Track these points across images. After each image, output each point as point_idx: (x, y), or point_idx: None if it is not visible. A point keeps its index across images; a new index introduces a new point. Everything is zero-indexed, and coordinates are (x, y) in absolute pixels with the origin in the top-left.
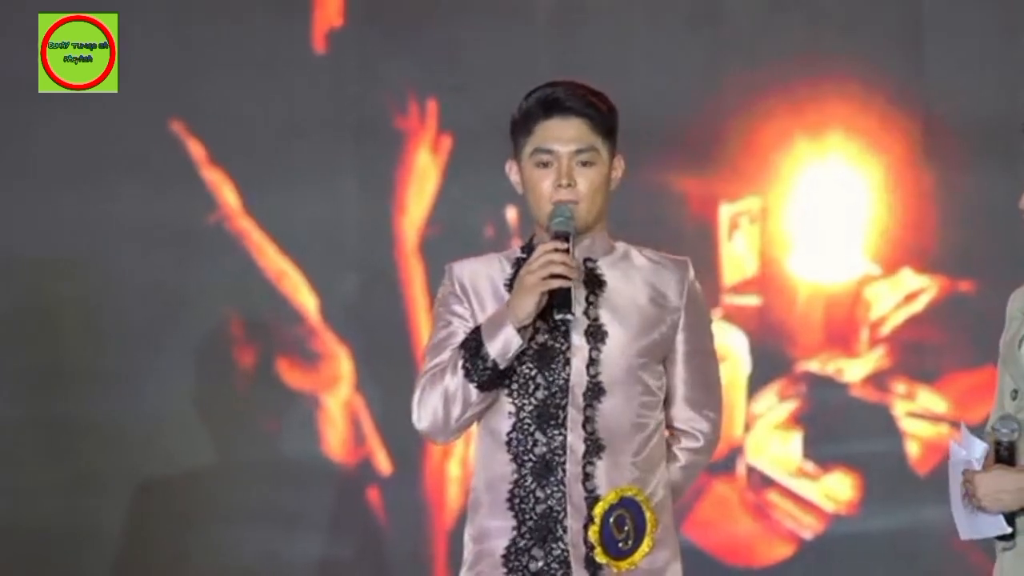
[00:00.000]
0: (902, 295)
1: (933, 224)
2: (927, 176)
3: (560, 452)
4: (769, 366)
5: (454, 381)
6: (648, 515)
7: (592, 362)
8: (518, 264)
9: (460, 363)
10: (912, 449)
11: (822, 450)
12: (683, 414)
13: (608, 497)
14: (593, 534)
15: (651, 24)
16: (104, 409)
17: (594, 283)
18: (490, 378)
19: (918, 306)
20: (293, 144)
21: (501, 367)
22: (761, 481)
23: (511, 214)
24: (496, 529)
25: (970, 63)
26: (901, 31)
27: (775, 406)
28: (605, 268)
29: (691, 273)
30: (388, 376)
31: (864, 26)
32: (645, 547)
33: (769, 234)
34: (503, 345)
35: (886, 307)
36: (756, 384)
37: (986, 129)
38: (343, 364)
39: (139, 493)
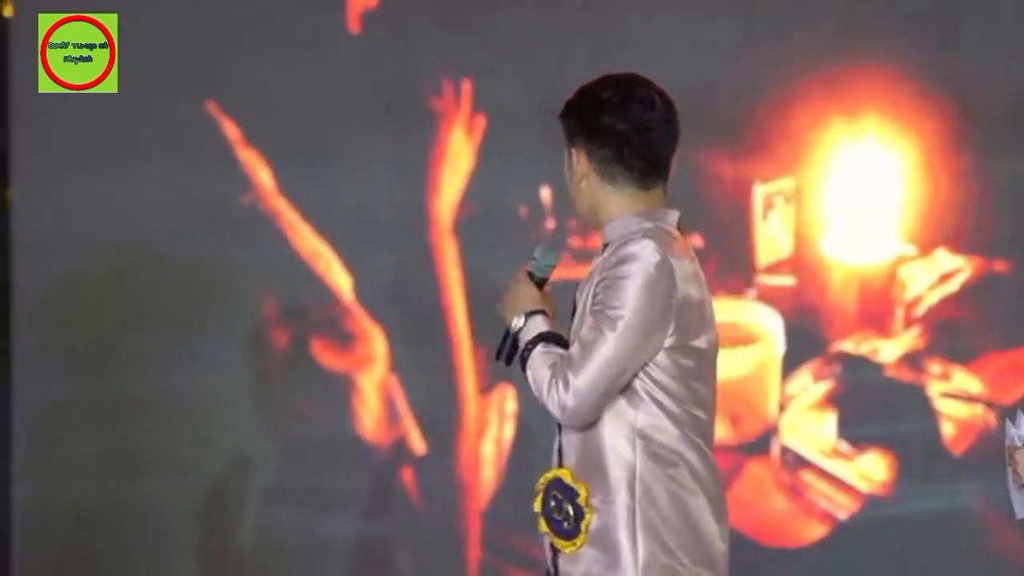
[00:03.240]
0: (937, 275)
1: (968, 205)
2: (962, 157)
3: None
4: (804, 346)
5: None
6: (582, 494)
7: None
8: None
9: None
10: (947, 429)
11: (857, 430)
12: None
13: (547, 474)
14: (536, 505)
15: (685, 6)
16: (140, 389)
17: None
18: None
19: (953, 286)
20: (327, 124)
21: None
22: (796, 461)
23: (545, 194)
24: None
25: (1005, 44)
26: (936, 12)
27: (810, 386)
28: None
29: (617, 249)
30: (423, 356)
31: (899, 7)
32: (584, 532)
33: (803, 215)
34: None
35: (921, 287)
36: (790, 365)
37: (1021, 110)
38: (377, 344)
39: (176, 473)
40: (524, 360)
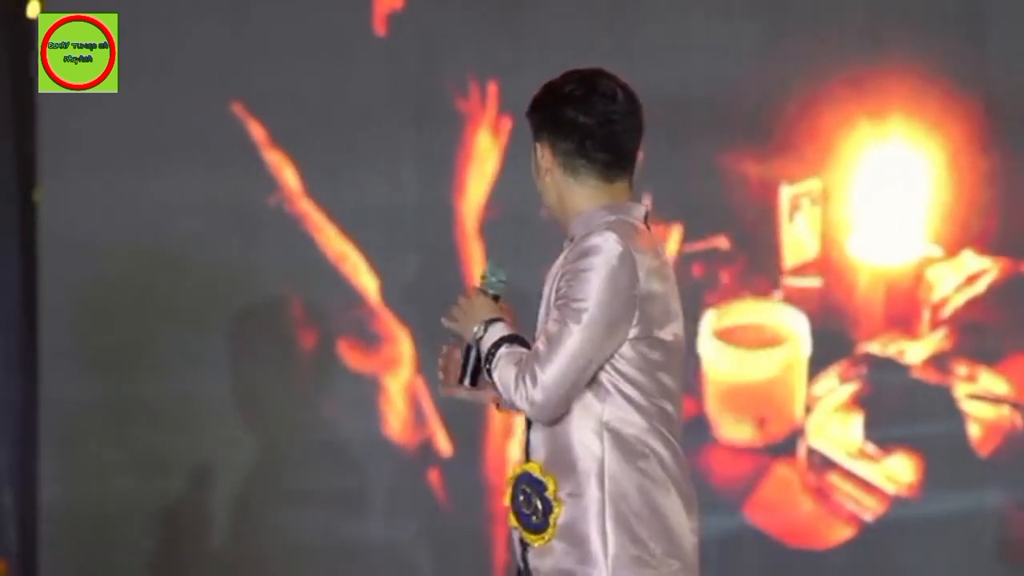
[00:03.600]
0: (963, 277)
1: (995, 206)
2: (988, 158)
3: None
4: (830, 348)
5: None
6: (550, 487)
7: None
8: None
9: None
10: (973, 431)
11: (883, 432)
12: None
13: (515, 469)
14: (505, 499)
15: (711, 7)
16: (166, 391)
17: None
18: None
19: (979, 288)
20: (353, 126)
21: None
22: (822, 463)
23: None
24: None
25: None
26: (962, 13)
27: (836, 388)
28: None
29: (579, 242)
30: None
31: (925, 8)
32: (552, 526)
33: (830, 216)
34: None
35: (947, 289)
36: (817, 366)
37: None
38: (403, 346)
39: (201, 474)
40: (489, 364)
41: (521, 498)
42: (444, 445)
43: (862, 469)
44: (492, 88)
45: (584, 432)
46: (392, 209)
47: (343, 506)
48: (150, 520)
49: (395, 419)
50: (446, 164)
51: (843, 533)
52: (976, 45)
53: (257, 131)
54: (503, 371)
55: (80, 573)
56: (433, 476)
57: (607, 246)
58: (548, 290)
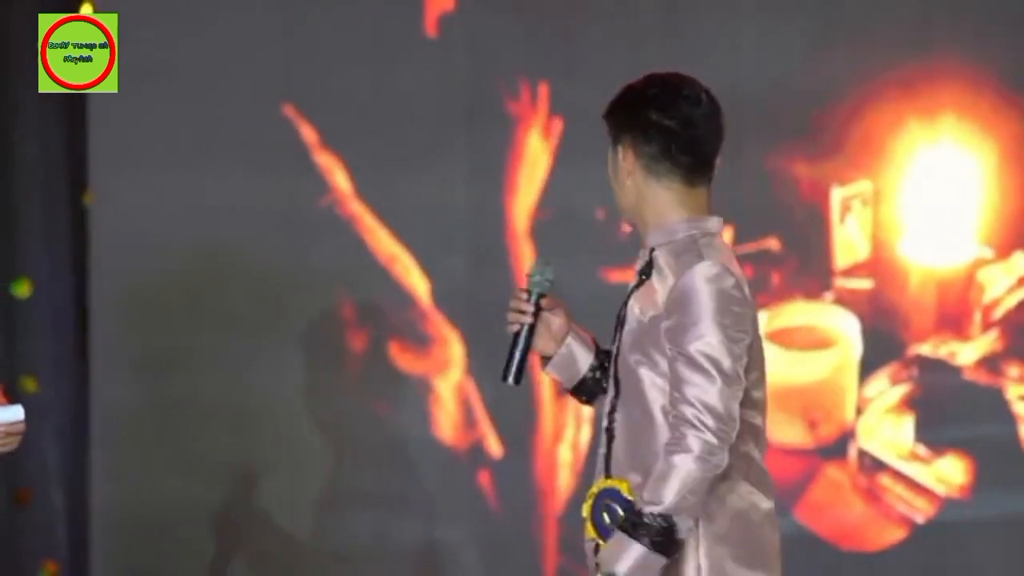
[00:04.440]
0: (1015, 278)
1: None
2: None
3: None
4: (881, 350)
5: None
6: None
7: (618, 352)
8: None
9: None
10: None
11: (934, 434)
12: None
13: (601, 483)
14: (584, 510)
15: (762, 8)
16: (217, 392)
17: (646, 270)
18: None
19: None
20: (404, 128)
21: None
22: (873, 465)
23: None
24: None
25: None
26: (1013, 13)
27: (887, 390)
28: (662, 257)
29: (685, 277)
30: (499, 360)
31: (976, 8)
32: None
33: (881, 217)
34: None
35: (999, 290)
36: (868, 368)
37: None
38: (454, 347)
39: (252, 476)
40: (665, 536)
41: (604, 512)
42: (494, 447)
43: (913, 471)
44: (543, 89)
45: None
46: (443, 211)
47: (393, 508)
48: (200, 521)
49: (445, 421)
50: (497, 166)
51: (894, 535)
52: None
53: (308, 133)
54: (672, 478)
55: (130, 574)
56: (483, 478)
57: (715, 277)
58: (646, 319)
